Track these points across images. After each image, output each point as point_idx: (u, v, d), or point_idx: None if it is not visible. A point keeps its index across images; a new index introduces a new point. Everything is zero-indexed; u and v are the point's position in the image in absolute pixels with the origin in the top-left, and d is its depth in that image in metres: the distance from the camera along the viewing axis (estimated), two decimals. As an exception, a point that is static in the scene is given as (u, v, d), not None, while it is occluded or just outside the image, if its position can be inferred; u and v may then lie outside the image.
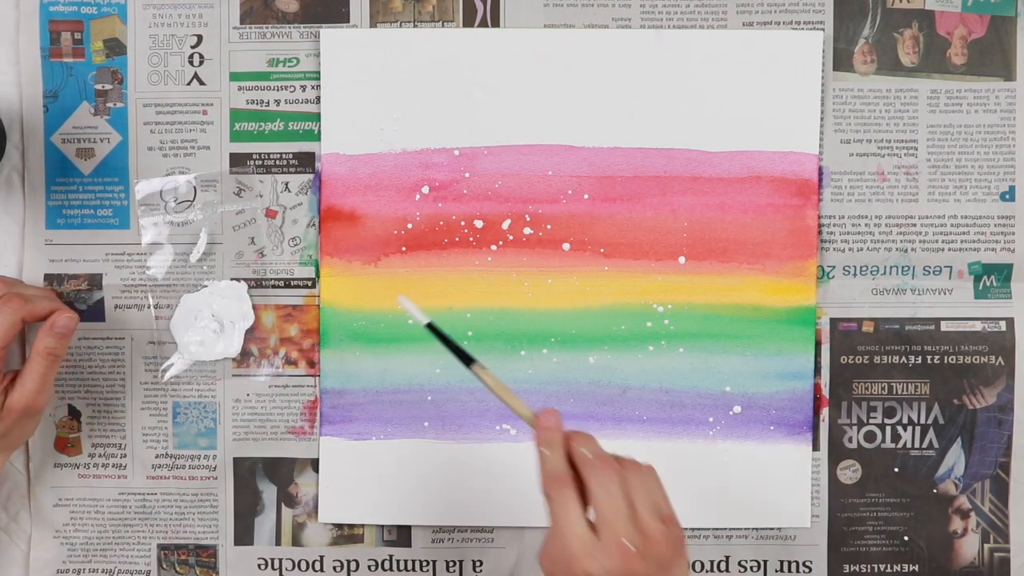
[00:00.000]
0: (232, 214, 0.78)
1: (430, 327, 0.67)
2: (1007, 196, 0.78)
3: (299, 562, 0.79)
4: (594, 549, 0.59)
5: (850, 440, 0.79)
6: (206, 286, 0.78)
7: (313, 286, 0.78)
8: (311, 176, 0.78)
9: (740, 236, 0.78)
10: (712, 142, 0.77)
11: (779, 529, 0.79)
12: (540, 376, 0.78)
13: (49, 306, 0.71)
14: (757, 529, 0.79)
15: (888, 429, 0.79)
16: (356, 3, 0.77)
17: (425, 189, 0.78)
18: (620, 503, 0.59)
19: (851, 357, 0.79)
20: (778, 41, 0.77)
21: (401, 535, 0.79)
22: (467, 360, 0.66)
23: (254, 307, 0.78)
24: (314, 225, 0.78)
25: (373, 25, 0.78)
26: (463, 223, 0.78)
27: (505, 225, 0.78)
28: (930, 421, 0.79)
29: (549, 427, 0.62)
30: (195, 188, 0.78)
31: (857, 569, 0.79)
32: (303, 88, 0.78)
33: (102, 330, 0.78)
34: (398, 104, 0.77)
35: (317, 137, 0.78)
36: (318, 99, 0.78)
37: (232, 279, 0.78)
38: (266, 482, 0.79)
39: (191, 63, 0.78)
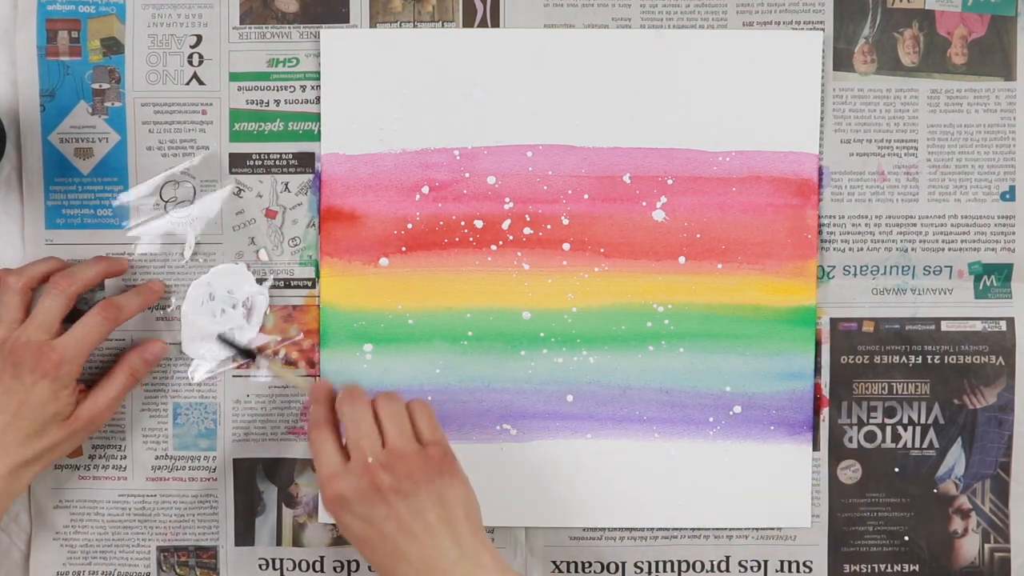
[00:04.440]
0: (232, 214, 0.78)
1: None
2: (1007, 196, 0.78)
3: (300, 562, 0.79)
4: (342, 470, 0.67)
5: (850, 440, 0.79)
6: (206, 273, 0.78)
7: (313, 286, 0.78)
8: (311, 176, 0.78)
9: (740, 236, 0.78)
10: (712, 142, 0.77)
11: (779, 529, 0.79)
12: (540, 376, 0.78)
13: (137, 306, 0.74)
14: (757, 529, 0.79)
15: (888, 429, 0.79)
16: (356, 3, 0.77)
17: (425, 189, 0.77)
18: (366, 428, 0.67)
19: (851, 357, 0.79)
20: (778, 41, 0.77)
21: (401, 535, 0.79)
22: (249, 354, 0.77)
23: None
24: (314, 225, 0.78)
25: (373, 25, 0.77)
26: (463, 223, 0.78)
27: (505, 225, 0.78)
28: (930, 421, 0.79)
29: (318, 387, 0.71)
30: (194, 189, 0.78)
31: (857, 569, 0.79)
32: (303, 88, 0.78)
33: (101, 331, 0.78)
34: (398, 104, 0.77)
35: (317, 137, 0.78)
36: (318, 99, 0.77)
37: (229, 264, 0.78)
38: (266, 483, 0.79)
39: (190, 63, 0.77)
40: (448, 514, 0.66)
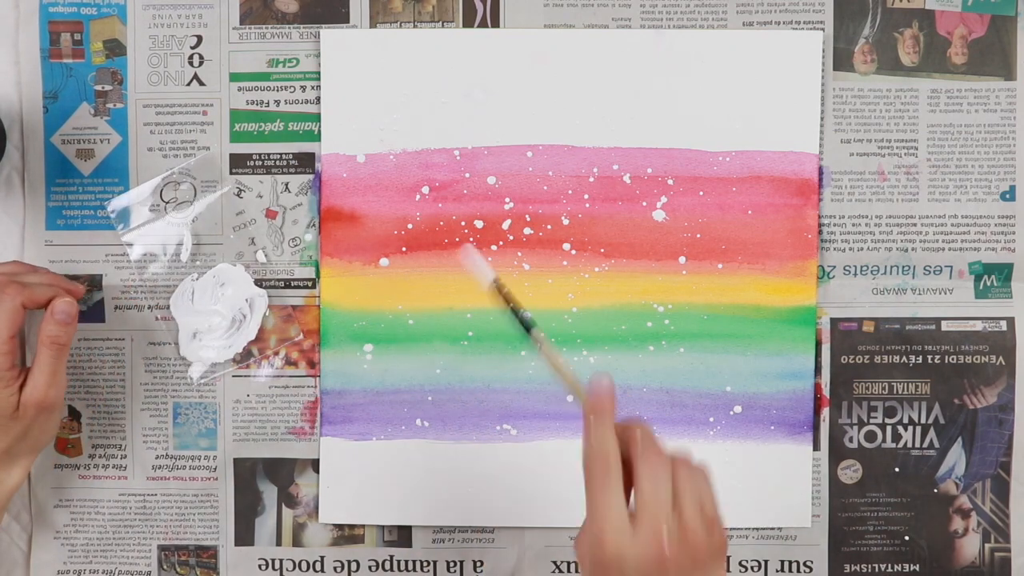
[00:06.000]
0: (232, 215, 0.78)
1: (494, 283, 0.63)
2: (1007, 196, 0.78)
3: (300, 562, 0.79)
4: (630, 532, 0.56)
5: (851, 440, 0.79)
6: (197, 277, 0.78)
7: (313, 286, 0.78)
8: (311, 176, 0.78)
9: (740, 236, 0.77)
10: (712, 142, 0.77)
11: (780, 529, 0.79)
12: (540, 376, 0.78)
13: (50, 292, 0.70)
14: (758, 529, 0.79)
15: (889, 429, 0.79)
16: (356, 3, 0.77)
17: (425, 189, 0.78)
18: (664, 494, 0.57)
19: (851, 357, 0.79)
20: (778, 41, 0.77)
21: (402, 535, 0.79)
22: (527, 326, 0.62)
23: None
24: (314, 225, 0.78)
25: (373, 25, 0.78)
26: (463, 223, 0.78)
27: (505, 225, 0.78)
28: (931, 421, 0.79)
29: (599, 393, 0.58)
30: (195, 189, 0.78)
31: (858, 569, 0.79)
32: (303, 88, 0.78)
33: (102, 331, 0.78)
34: (398, 104, 0.77)
35: (317, 137, 0.78)
36: (318, 99, 0.78)
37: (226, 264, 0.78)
38: (266, 482, 0.79)
39: (191, 64, 0.78)
40: None
